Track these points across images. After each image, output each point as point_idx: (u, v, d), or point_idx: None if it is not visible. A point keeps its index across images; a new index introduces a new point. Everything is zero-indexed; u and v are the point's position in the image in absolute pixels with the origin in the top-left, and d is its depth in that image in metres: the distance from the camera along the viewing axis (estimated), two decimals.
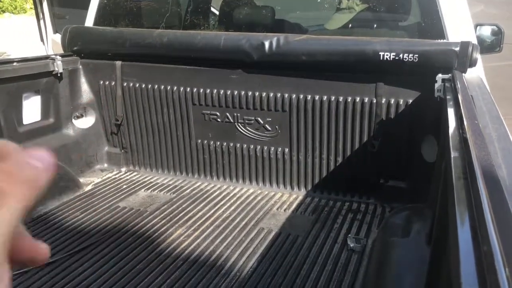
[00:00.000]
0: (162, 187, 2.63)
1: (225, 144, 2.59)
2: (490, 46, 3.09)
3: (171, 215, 2.26)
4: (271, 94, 2.39)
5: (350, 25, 2.59)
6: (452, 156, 0.97)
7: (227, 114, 2.51)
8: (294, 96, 2.35)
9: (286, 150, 2.47)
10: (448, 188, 0.93)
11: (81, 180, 2.65)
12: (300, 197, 2.48)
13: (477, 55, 1.98)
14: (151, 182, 2.70)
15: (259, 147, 2.52)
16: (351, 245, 1.96)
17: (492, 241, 0.57)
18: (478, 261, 0.58)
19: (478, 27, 2.86)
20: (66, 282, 1.73)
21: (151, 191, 2.57)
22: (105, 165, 2.90)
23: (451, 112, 1.39)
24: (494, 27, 3.10)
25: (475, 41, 2.14)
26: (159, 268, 1.82)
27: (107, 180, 2.72)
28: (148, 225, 2.16)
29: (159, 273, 1.79)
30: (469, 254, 0.60)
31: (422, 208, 1.79)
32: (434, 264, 1.23)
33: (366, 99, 2.24)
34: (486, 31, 3.14)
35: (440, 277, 1.07)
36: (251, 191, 2.56)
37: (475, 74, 2.10)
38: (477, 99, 1.62)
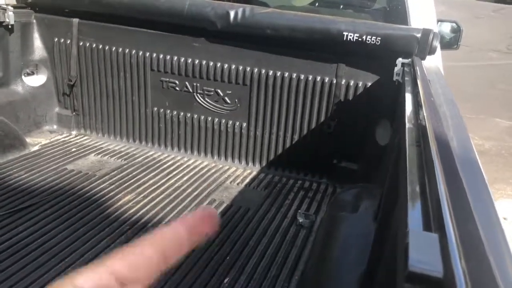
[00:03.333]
0: (113, 153, 2.55)
1: (182, 114, 2.54)
2: (448, 43, 3.18)
3: (120, 181, 2.20)
4: (233, 66, 2.36)
5: (316, 4, 2.59)
6: (406, 126, 0.98)
7: (186, 83, 2.46)
8: (255, 70, 2.33)
9: (244, 124, 2.46)
10: (400, 156, 0.94)
11: (28, 140, 2.53)
12: (254, 173, 2.48)
13: (437, 44, 2.03)
14: (102, 147, 2.61)
15: (216, 119, 2.49)
16: (300, 221, 1.97)
17: (441, 195, 0.57)
18: (425, 216, 0.59)
19: (439, 23, 2.94)
20: (5, 239, 1.65)
21: (101, 156, 2.48)
22: (55, 126, 2.78)
23: (408, 91, 1.42)
24: (454, 24, 3.19)
25: (436, 31, 2.19)
26: (104, 232, 1.77)
27: (56, 142, 2.61)
28: (95, 189, 2.09)
29: (104, 237, 1.73)
30: (418, 211, 0.61)
31: (372, 188, 1.83)
32: (378, 238, 1.26)
33: (327, 79, 2.25)
34: (446, 28, 3.23)
35: (383, 249, 1.10)
36: (205, 163, 2.53)
37: (433, 62, 2.15)
38: (434, 83, 1.66)
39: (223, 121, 2.48)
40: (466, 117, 5.17)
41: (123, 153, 2.56)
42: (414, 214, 0.57)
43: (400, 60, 2.01)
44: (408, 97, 1.34)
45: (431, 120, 0.91)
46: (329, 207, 1.99)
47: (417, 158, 0.75)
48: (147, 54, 2.46)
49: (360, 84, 2.21)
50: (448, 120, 1.05)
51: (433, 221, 0.52)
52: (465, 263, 0.42)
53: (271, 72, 2.31)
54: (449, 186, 0.59)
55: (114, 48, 2.52)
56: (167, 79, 2.48)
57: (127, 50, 2.49)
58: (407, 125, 0.98)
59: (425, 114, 0.96)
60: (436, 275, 0.42)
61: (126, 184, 2.18)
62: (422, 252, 0.44)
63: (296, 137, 2.40)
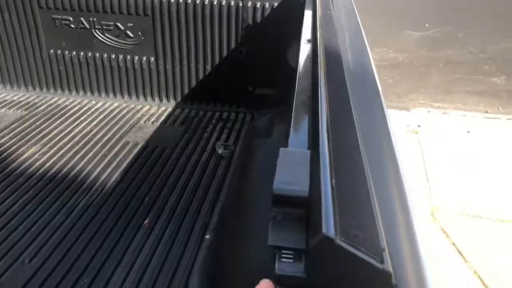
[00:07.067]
0: (11, 104, 2.33)
1: (82, 53, 2.33)
2: None
3: (22, 133, 2.03)
4: None
5: None
6: (301, 44, 0.94)
7: (82, 19, 2.24)
8: None
9: (152, 59, 2.31)
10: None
11: None
12: (169, 109, 2.38)
13: None
14: None
15: (121, 56, 2.32)
16: (219, 152, 1.94)
17: (321, 112, 0.54)
18: (308, 135, 0.56)
19: None
20: None
21: None
22: None
23: (308, 8, 1.37)
24: None
25: None
26: (9, 189, 1.64)
27: None
28: None
29: (9, 194, 1.61)
30: (303, 130, 0.58)
31: (284, 111, 1.82)
32: None
33: (232, 2, 2.14)
34: None
35: None
36: (115, 105, 2.39)
37: None
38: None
39: (129, 57, 2.32)
40: (382, 32, 5.25)
41: (22, 103, 2.34)
42: (298, 133, 0.53)
43: None
44: (308, 14, 1.29)
45: (324, 35, 0.86)
46: (245, 135, 1.96)
47: (307, 77, 0.71)
48: None
49: (267, 5, 2.12)
50: (344, 32, 1.01)
51: (311, 139, 0.49)
52: (336, 181, 0.39)
53: None
54: (331, 102, 0.56)
55: None
56: (60, 16, 2.25)
57: None
58: (302, 42, 0.93)
59: (318, 30, 0.91)
60: (300, 194, 0.39)
61: (29, 136, 2.01)
62: (289, 172, 0.40)
63: (208, 68, 2.31)
